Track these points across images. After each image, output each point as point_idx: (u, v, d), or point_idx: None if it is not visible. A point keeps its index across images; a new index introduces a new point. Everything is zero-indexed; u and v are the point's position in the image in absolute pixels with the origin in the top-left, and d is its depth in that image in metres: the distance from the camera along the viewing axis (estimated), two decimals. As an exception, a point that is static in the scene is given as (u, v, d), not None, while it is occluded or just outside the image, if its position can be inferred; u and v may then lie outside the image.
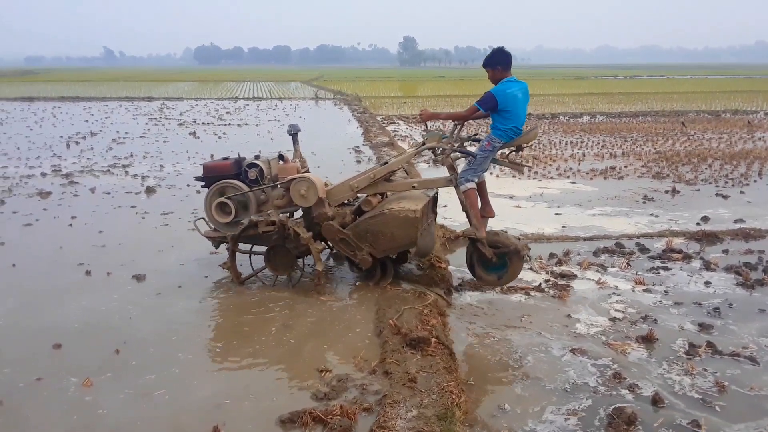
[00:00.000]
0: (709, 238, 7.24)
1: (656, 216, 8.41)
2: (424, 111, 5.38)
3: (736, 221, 8.03)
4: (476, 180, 5.23)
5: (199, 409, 3.65)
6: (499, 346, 4.64)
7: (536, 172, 11.54)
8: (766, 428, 3.54)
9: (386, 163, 5.50)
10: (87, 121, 21.32)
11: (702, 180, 10.78)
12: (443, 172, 5.52)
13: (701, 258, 6.54)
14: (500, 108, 4.99)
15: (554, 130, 18.67)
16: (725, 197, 9.50)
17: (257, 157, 5.82)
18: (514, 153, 5.33)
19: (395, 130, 18.87)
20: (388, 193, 5.59)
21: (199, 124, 20.63)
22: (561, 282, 5.86)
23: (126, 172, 11.56)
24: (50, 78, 62.81)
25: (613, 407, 3.73)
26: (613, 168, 11.99)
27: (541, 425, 3.60)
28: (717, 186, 10.32)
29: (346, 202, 5.64)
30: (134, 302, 5.27)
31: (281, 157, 5.86)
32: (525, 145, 5.31)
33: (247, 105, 29.84)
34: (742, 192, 9.87)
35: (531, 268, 6.25)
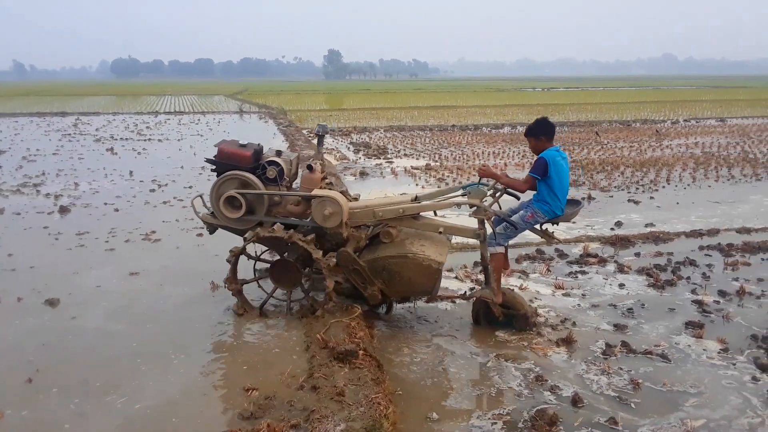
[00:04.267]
0: (623, 242, 7.60)
1: (573, 222, 8.72)
2: (486, 168, 5.21)
3: (646, 225, 8.47)
4: (507, 244, 5.17)
5: (118, 437, 3.52)
6: (427, 354, 4.70)
7: (460, 182, 11.78)
8: (677, 422, 3.74)
9: (416, 198, 5.15)
10: (-6, 138, 20.18)
11: (615, 187, 11.32)
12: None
13: (615, 261, 6.85)
14: (550, 173, 4.90)
15: (477, 141, 19.15)
16: (636, 203, 10.00)
17: (279, 154, 5.45)
18: (549, 224, 5.20)
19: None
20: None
21: (117, 139, 19.92)
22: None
23: (37, 191, 11.00)
24: (-47, 93, 59.12)
25: (535, 409, 3.85)
26: (533, 177, 12.38)
27: (469, 430, 3.66)
28: (629, 192, 10.85)
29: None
30: (47, 328, 5.02)
31: (309, 167, 5.42)
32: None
33: (168, 119, 29.06)
34: (651, 197, 10.42)
35: (456, 277, 6.37)
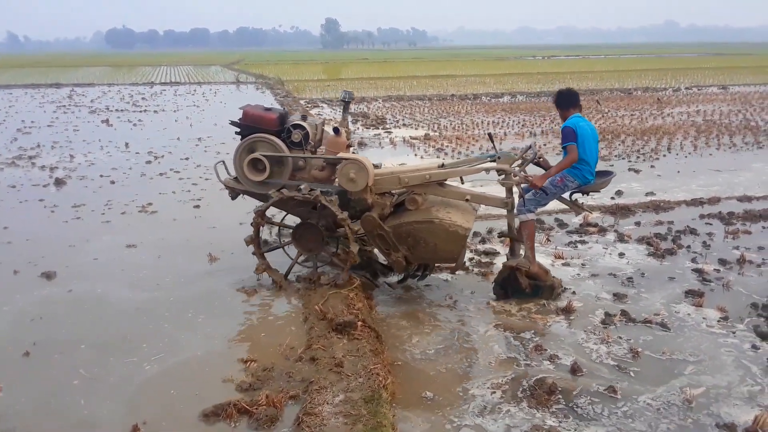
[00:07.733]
0: (623, 211, 7.55)
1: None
2: (534, 177, 4.94)
3: (647, 194, 8.41)
4: (536, 210, 5.12)
5: (118, 408, 3.51)
6: (427, 325, 4.68)
7: (459, 152, 11.69)
8: (677, 390, 3.73)
9: (443, 165, 5.05)
10: (-11, 110, 19.99)
11: (616, 156, 11.23)
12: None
13: (616, 231, 6.81)
14: (578, 139, 4.89)
15: (476, 111, 18.98)
16: (637, 172, 9.93)
17: (304, 118, 5.34)
18: (579, 194, 5.18)
19: (319, 114, 18.68)
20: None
21: (112, 111, 19.73)
22: (485, 260, 5.98)
23: (33, 163, 10.91)
24: (-54, 65, 58.47)
25: (535, 378, 3.84)
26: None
27: (468, 400, 3.65)
28: (629, 161, 10.77)
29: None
30: (44, 301, 5.00)
31: (336, 130, 5.30)
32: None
33: (164, 90, 28.77)
34: (652, 166, 10.34)
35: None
